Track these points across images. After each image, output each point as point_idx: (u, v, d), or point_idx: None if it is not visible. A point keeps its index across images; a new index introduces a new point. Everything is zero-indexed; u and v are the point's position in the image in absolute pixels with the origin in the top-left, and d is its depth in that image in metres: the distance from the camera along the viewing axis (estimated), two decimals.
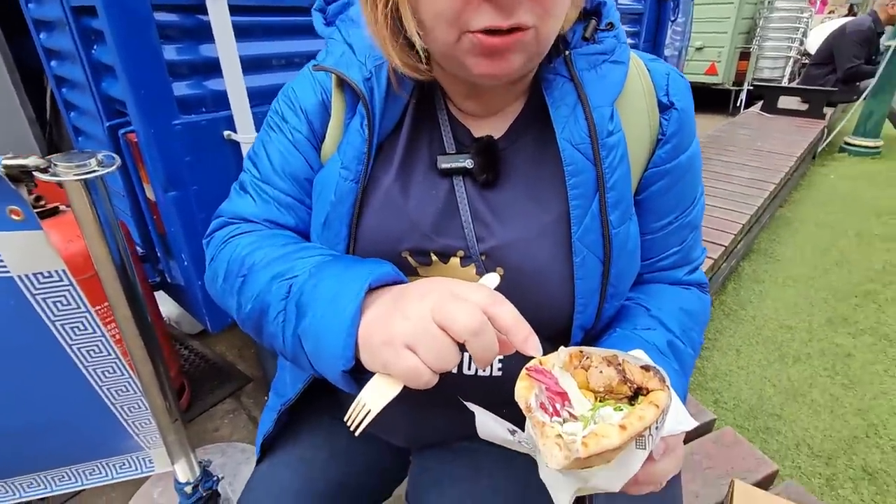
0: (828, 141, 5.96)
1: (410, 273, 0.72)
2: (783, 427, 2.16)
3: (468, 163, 0.70)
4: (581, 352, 0.49)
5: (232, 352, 2.50)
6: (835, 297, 3.06)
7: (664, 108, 0.72)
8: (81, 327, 1.06)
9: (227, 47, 1.37)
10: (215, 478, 1.56)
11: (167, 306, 2.43)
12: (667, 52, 4.78)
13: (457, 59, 0.59)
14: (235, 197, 0.81)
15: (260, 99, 1.56)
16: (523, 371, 0.48)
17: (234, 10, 1.37)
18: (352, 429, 0.53)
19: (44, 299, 0.99)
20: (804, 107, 6.41)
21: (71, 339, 1.06)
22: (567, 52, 0.68)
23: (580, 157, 0.66)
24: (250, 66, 1.51)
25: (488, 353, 0.48)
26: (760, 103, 6.74)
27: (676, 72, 0.74)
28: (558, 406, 0.45)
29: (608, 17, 0.69)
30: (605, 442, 0.40)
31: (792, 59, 7.75)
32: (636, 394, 0.46)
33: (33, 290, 0.97)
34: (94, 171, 0.91)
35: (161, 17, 1.32)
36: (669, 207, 0.76)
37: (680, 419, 0.51)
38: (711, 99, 8.10)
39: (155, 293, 1.93)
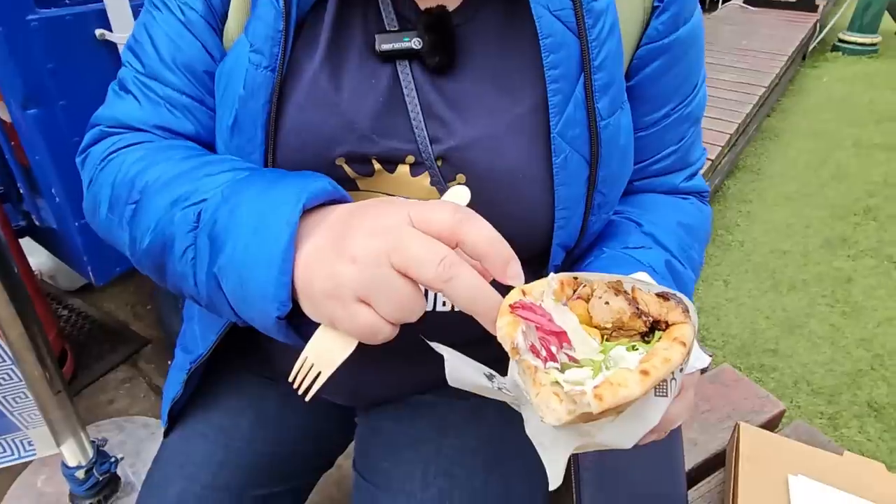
0: (820, 38, 6.15)
1: (349, 187, 0.68)
2: (780, 363, 2.27)
3: (415, 42, 0.65)
4: (576, 279, 0.46)
5: (123, 310, 2.44)
6: (831, 215, 3.21)
7: None
8: None
9: None
10: (113, 458, 1.54)
11: (37, 257, 2.32)
12: None
13: None
14: (114, 99, 0.74)
15: None
16: (504, 305, 0.43)
17: None
18: (300, 393, 0.51)
19: None
20: None
21: None
22: None
23: (560, 26, 0.62)
24: None
25: (468, 298, 0.45)
26: None
27: None
28: (554, 349, 0.42)
29: None
30: (624, 392, 0.36)
31: None
32: (652, 329, 0.43)
33: None
34: None
35: None
36: (667, 95, 0.74)
37: (696, 354, 0.50)
38: None
39: (20, 241, 1.84)
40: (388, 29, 0.67)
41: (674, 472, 0.91)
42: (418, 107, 0.65)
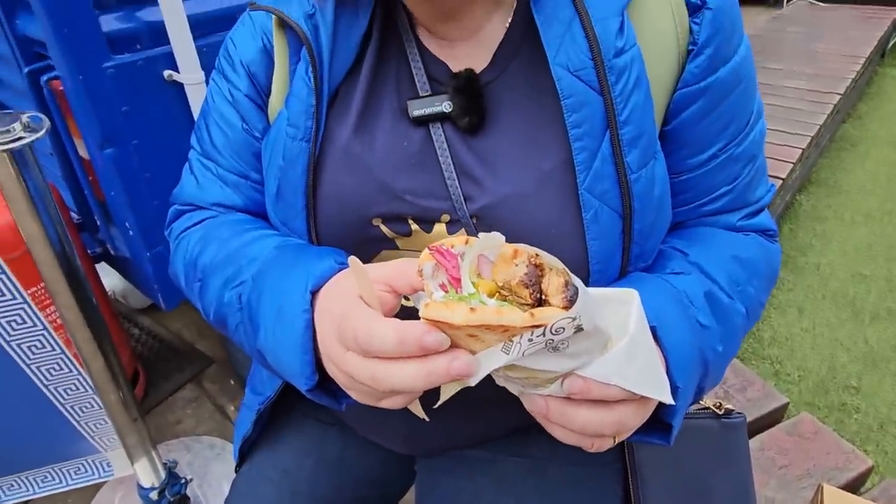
0: None
1: (389, 246, 0.74)
2: (862, 403, 2.14)
3: (445, 106, 0.69)
4: (538, 254, 0.51)
5: (189, 329, 2.59)
6: None
7: (694, 8, 0.68)
8: (20, 321, 1.13)
9: None
10: (183, 480, 1.66)
11: (111, 278, 2.50)
12: None
13: None
14: (184, 178, 0.88)
15: (204, 28, 1.58)
16: (426, 248, 0.51)
17: None
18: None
19: None
20: None
21: (9, 335, 1.13)
22: None
23: (581, 85, 0.64)
24: None
25: (381, 397, 0.52)
26: None
27: None
28: (451, 290, 0.50)
29: None
30: (444, 313, 0.45)
31: None
32: (541, 303, 0.49)
33: None
34: (21, 139, 0.95)
35: None
36: (712, 136, 0.73)
37: (635, 377, 0.53)
38: None
39: (96, 265, 2.00)
40: (420, 93, 0.72)
41: None
42: (452, 166, 0.69)
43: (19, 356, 1.18)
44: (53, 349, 1.20)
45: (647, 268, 0.74)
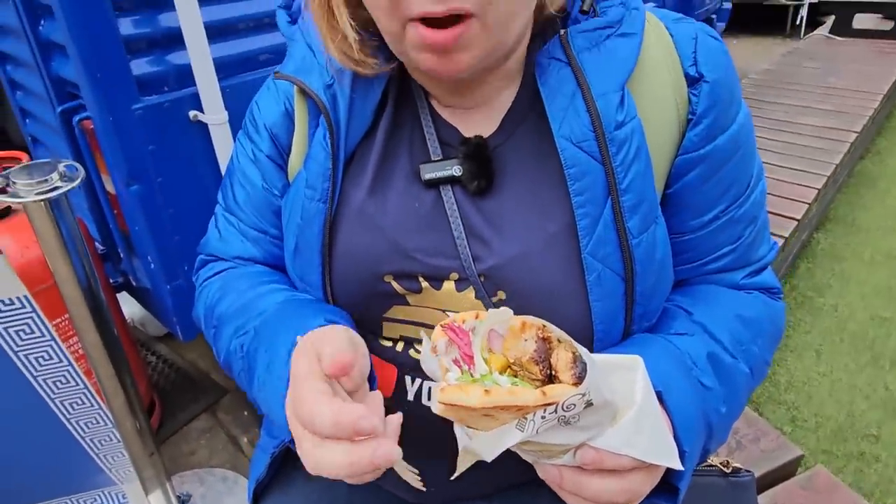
0: None
1: (399, 302, 0.77)
2: (882, 452, 2.08)
3: (455, 170, 0.73)
4: (544, 326, 0.54)
5: (205, 359, 2.63)
6: None
7: (692, 81, 0.72)
8: (47, 357, 1.17)
9: (190, 14, 1.45)
10: None
11: (130, 306, 2.55)
12: None
13: (406, 54, 0.65)
14: (210, 231, 0.94)
15: (227, 71, 1.65)
16: (439, 325, 0.55)
17: None
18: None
19: (6, 329, 1.10)
20: (888, 25, 6.18)
21: (36, 370, 1.18)
22: (563, 31, 0.69)
23: (584, 156, 0.68)
24: (215, 33, 1.60)
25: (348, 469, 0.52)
26: (829, 22, 6.51)
27: (706, 32, 0.74)
28: (464, 367, 0.53)
29: None
30: (460, 396, 0.47)
31: None
32: (551, 379, 0.52)
33: None
34: (57, 188, 1.00)
35: None
36: (713, 199, 0.76)
37: (645, 446, 0.56)
38: (763, 17, 7.76)
39: (117, 294, 2.05)
40: (432, 157, 0.76)
41: None
42: (461, 227, 0.73)
43: (45, 391, 1.22)
44: (77, 384, 1.24)
45: (651, 326, 0.76)
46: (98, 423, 1.33)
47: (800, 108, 4.35)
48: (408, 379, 0.79)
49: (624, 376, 0.58)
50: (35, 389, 1.21)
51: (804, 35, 6.87)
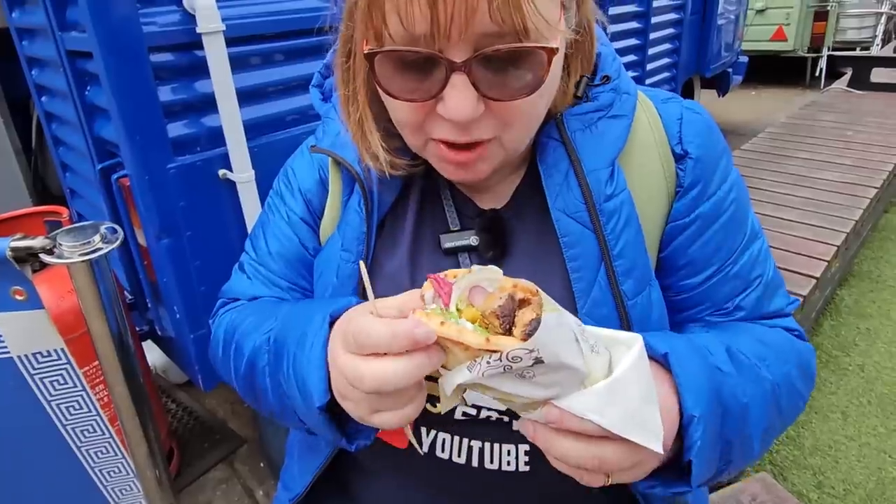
0: None
1: None
2: None
3: (472, 240, 0.82)
4: (538, 292, 0.58)
5: (224, 407, 2.71)
6: None
7: (679, 157, 0.80)
8: (77, 406, 1.26)
9: (223, 82, 1.59)
10: None
11: (152, 354, 2.65)
12: (720, 22, 4.72)
13: (429, 161, 0.75)
14: (234, 276, 1.01)
15: (256, 132, 1.78)
16: (428, 277, 0.61)
17: (229, 42, 1.59)
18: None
19: (41, 379, 1.19)
20: None
21: (66, 419, 1.26)
22: (559, 115, 0.78)
23: (577, 226, 0.76)
24: (246, 97, 1.73)
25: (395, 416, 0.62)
26: (847, 75, 6.55)
27: (692, 110, 0.83)
28: (441, 309, 0.60)
29: (604, 69, 0.80)
30: (423, 320, 0.55)
31: (885, 16, 7.57)
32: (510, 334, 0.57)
33: (32, 370, 1.18)
34: (99, 250, 1.10)
35: (156, 57, 1.55)
36: (704, 259, 0.82)
37: (615, 417, 0.57)
38: (782, 69, 7.85)
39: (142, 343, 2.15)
40: (451, 227, 0.84)
41: None
42: None
43: (73, 440, 1.30)
44: (103, 433, 1.32)
45: None
46: (120, 472, 1.41)
47: (818, 163, 4.34)
48: (423, 430, 0.86)
49: (621, 351, 0.62)
50: (64, 438, 1.29)
51: (824, 86, 6.90)
